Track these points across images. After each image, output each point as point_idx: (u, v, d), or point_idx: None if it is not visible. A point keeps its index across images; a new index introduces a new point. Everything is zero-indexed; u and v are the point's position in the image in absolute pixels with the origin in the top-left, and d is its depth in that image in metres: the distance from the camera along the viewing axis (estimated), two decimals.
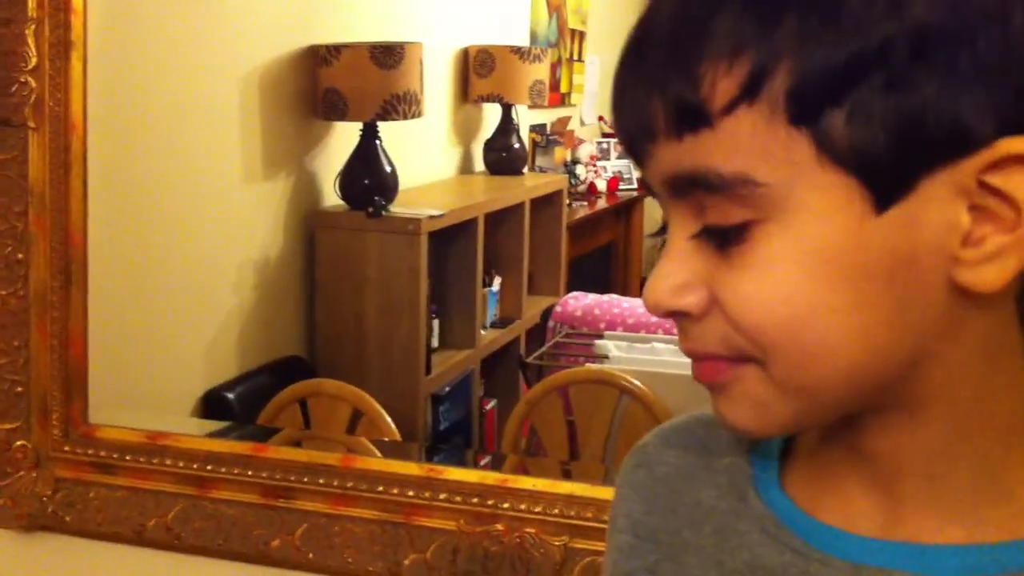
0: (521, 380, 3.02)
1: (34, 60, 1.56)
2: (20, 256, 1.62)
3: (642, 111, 0.54)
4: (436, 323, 2.72)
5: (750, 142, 0.50)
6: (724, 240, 0.53)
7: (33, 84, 1.57)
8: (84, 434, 1.67)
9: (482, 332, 2.87)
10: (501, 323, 2.96)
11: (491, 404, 2.89)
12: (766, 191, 0.50)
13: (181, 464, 1.61)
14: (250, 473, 1.58)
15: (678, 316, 0.56)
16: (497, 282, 2.92)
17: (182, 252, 2.22)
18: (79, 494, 1.67)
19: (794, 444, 0.63)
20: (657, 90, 0.53)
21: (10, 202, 1.61)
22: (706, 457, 0.65)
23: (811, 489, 0.60)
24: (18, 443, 1.69)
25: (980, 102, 0.48)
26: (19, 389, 1.67)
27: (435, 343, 2.71)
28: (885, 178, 0.49)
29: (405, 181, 2.66)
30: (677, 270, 0.55)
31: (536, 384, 2.65)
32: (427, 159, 3.00)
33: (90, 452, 1.66)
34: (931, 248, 0.50)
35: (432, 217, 2.56)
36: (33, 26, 1.55)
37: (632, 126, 0.55)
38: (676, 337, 0.58)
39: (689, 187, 0.53)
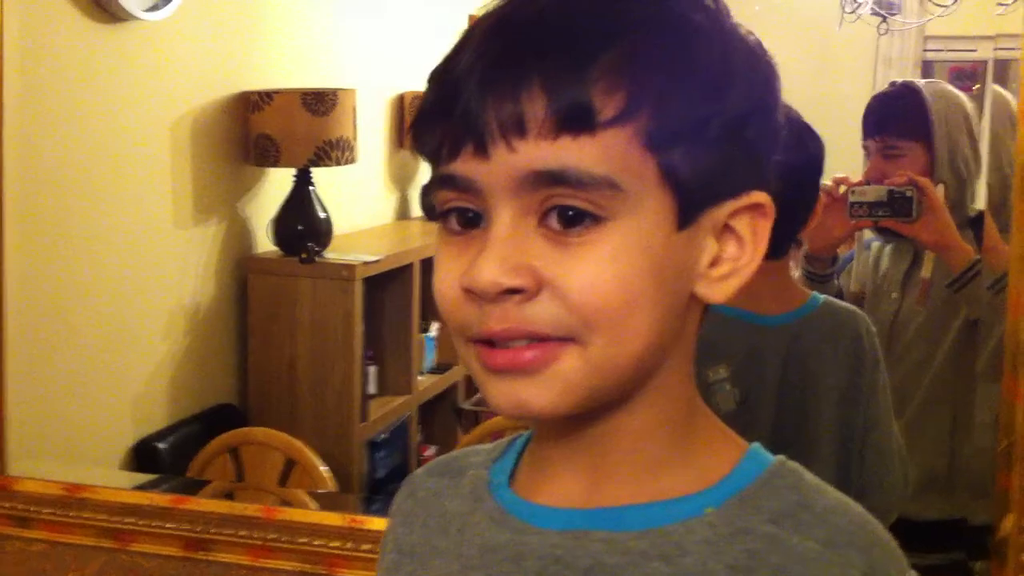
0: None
1: None
2: None
3: (516, 104, 0.60)
4: (373, 369, 2.69)
5: (618, 154, 0.60)
6: (569, 228, 0.61)
7: None
8: (1, 486, 1.63)
9: (419, 378, 2.85)
10: (439, 369, 2.95)
11: (429, 451, 2.87)
12: (622, 195, 0.61)
13: (100, 517, 1.58)
14: (169, 525, 1.55)
15: (506, 296, 0.61)
16: (435, 327, 2.91)
17: (111, 299, 2.18)
18: None
19: (524, 452, 0.74)
20: (547, 88, 0.60)
21: None
22: (457, 477, 0.75)
23: (532, 481, 0.70)
24: None
25: (746, 164, 0.65)
26: None
27: (372, 389, 2.69)
28: (689, 205, 0.63)
29: (340, 227, 2.65)
30: (512, 253, 0.61)
31: (472, 430, 2.64)
32: (363, 204, 2.99)
33: (6, 505, 1.62)
34: (692, 264, 0.64)
35: (367, 263, 2.55)
36: None
37: (496, 117, 0.60)
38: None
39: (547, 182, 0.60)
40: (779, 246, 1.39)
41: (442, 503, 0.74)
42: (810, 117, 1.42)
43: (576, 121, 0.60)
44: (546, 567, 0.65)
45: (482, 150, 0.61)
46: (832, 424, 1.39)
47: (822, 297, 1.45)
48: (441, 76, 0.64)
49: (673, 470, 0.67)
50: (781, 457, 0.68)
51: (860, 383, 1.41)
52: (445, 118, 0.63)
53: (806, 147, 1.40)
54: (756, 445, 0.69)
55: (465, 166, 0.62)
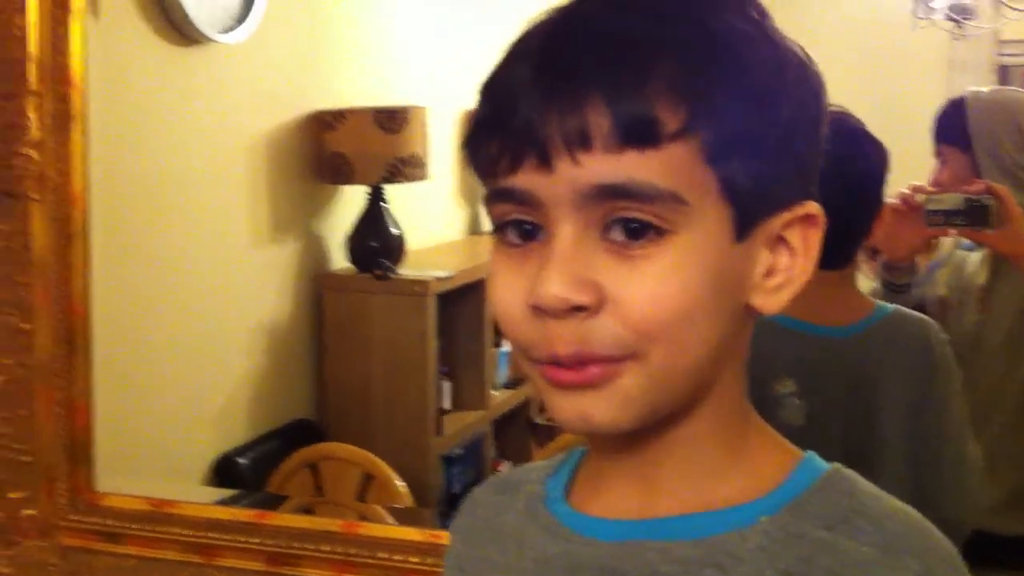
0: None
1: (35, 133, 1.59)
2: (24, 326, 1.64)
3: (580, 117, 0.60)
4: (447, 384, 2.70)
5: (681, 168, 0.61)
6: (632, 240, 0.61)
7: (35, 157, 1.60)
8: (90, 502, 1.67)
9: (493, 393, 2.86)
10: (512, 383, 2.95)
11: (504, 466, 2.87)
12: (686, 209, 0.61)
13: (187, 532, 1.61)
14: (255, 540, 1.57)
15: (572, 313, 0.61)
16: (507, 342, 2.91)
17: (191, 318, 2.23)
18: (86, 563, 1.67)
19: (579, 467, 0.74)
20: (610, 101, 0.60)
21: (13, 272, 1.63)
22: (513, 492, 0.76)
23: (586, 494, 0.71)
24: (25, 512, 1.69)
25: (796, 174, 0.66)
26: (25, 458, 1.67)
27: (446, 404, 2.70)
28: (746, 217, 0.63)
29: (413, 243, 2.67)
30: (577, 267, 0.61)
31: (546, 445, 2.64)
32: (435, 220, 3.01)
33: (96, 521, 1.66)
34: (748, 275, 0.65)
35: (440, 278, 2.57)
36: (34, 100, 1.58)
37: (560, 130, 0.60)
38: None
39: (612, 195, 0.60)
40: (840, 256, 1.38)
41: (499, 519, 0.75)
42: (879, 123, 1.41)
43: (642, 135, 0.60)
44: None
45: (546, 163, 0.61)
46: (902, 436, 1.37)
47: (891, 307, 1.43)
48: (495, 88, 0.64)
49: (726, 480, 0.67)
50: (836, 465, 0.68)
51: (930, 394, 1.38)
52: (503, 131, 0.62)
53: (867, 155, 1.38)
54: (810, 453, 0.69)
55: (526, 179, 0.62)
